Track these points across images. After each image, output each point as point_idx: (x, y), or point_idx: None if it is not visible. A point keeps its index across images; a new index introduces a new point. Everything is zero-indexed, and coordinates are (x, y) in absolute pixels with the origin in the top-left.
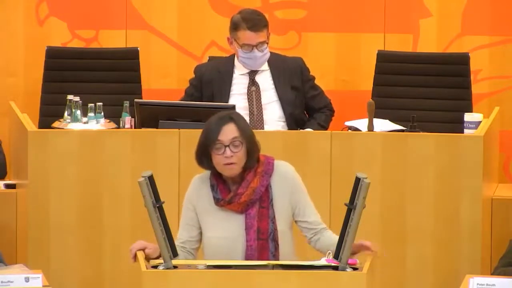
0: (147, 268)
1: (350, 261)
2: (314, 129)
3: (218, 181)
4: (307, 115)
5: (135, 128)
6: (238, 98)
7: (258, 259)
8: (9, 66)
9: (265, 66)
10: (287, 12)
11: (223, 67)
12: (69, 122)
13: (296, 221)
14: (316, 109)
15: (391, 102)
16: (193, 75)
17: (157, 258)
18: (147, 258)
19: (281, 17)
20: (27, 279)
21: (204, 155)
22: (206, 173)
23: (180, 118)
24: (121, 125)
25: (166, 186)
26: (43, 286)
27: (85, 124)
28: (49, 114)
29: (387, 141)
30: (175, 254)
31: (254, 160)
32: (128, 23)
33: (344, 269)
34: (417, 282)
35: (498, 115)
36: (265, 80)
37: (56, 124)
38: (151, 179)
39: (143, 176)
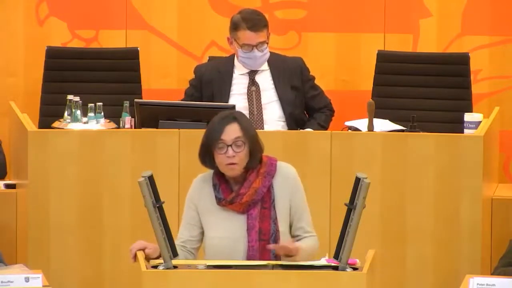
0: (147, 268)
1: (350, 261)
2: (314, 129)
3: (221, 180)
4: (307, 115)
5: (135, 128)
6: (238, 98)
7: (260, 260)
8: (9, 66)
9: (265, 66)
10: (287, 12)
11: (223, 67)
12: (69, 122)
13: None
14: (316, 109)
15: (391, 102)
16: (193, 75)
17: (157, 258)
18: (147, 258)
19: (281, 17)
20: (27, 279)
21: (207, 154)
22: (209, 172)
23: (180, 118)
24: (121, 125)
25: (166, 186)
26: (43, 286)
27: (85, 124)
28: (49, 114)
29: (387, 141)
30: (175, 254)
31: (257, 161)
32: (128, 23)
33: (344, 269)
34: (417, 282)
35: (498, 115)
36: (265, 80)
37: (56, 124)
38: (151, 179)
39: (143, 176)
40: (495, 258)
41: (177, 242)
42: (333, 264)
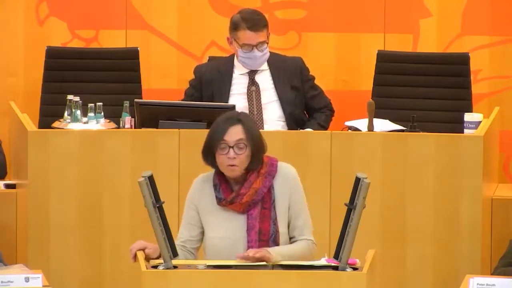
0: (147, 268)
1: (350, 261)
2: (314, 129)
3: (221, 180)
4: (307, 115)
5: (135, 128)
6: (238, 98)
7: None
8: (9, 66)
9: (265, 66)
10: (287, 12)
11: (223, 67)
12: (69, 122)
13: None
14: (316, 109)
15: (391, 102)
16: (193, 76)
17: (157, 258)
18: (147, 258)
19: (281, 17)
20: (27, 279)
21: (209, 154)
22: (209, 173)
23: (180, 118)
24: (121, 125)
25: (166, 186)
26: (43, 286)
27: (85, 124)
28: (49, 114)
29: (387, 141)
30: (175, 254)
31: (258, 162)
32: (128, 23)
33: (344, 269)
34: (417, 282)
35: (498, 115)
36: (264, 80)
37: (56, 124)
38: (151, 179)
39: (143, 176)
40: (495, 258)
41: (177, 242)
42: (333, 264)
